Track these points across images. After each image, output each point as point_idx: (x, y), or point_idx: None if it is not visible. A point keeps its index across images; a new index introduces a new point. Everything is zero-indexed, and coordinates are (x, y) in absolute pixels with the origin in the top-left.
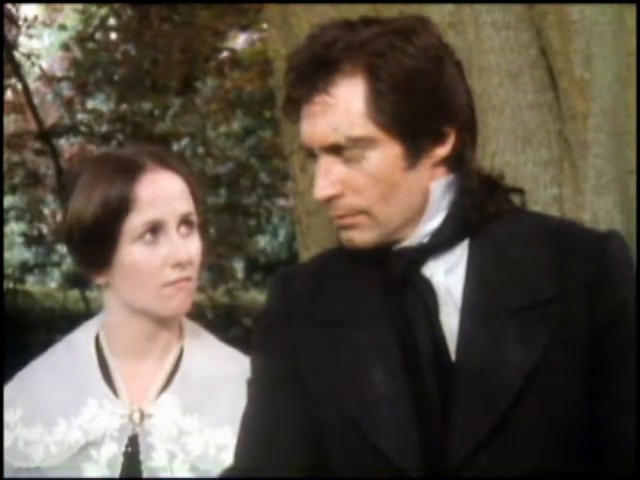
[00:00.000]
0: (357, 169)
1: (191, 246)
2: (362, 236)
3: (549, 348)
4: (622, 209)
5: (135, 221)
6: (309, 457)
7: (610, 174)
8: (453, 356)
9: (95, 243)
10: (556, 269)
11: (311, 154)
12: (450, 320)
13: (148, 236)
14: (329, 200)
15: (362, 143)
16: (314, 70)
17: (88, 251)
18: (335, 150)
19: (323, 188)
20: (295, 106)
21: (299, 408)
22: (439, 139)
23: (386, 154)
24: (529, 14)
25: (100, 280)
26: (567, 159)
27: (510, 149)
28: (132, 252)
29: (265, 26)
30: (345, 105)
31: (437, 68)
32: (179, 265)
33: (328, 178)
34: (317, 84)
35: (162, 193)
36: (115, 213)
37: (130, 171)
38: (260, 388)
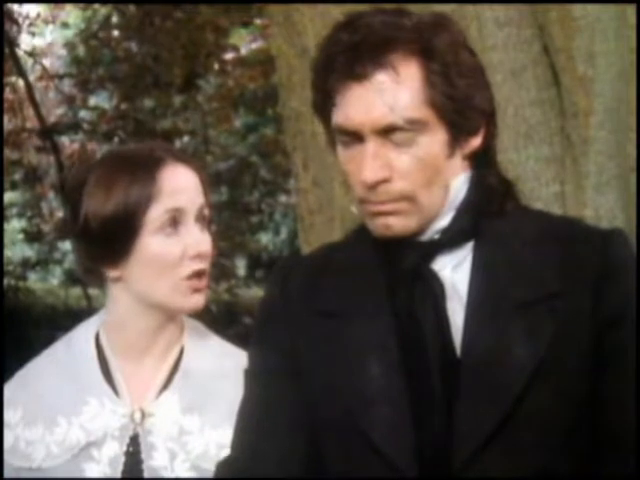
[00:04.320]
0: (407, 153)
1: (207, 239)
2: (402, 222)
3: (554, 343)
4: (624, 206)
5: (157, 211)
6: (305, 449)
7: (612, 171)
8: (458, 351)
9: (115, 236)
10: (561, 266)
11: (348, 137)
12: (455, 316)
13: (168, 228)
14: (375, 185)
15: (416, 126)
16: (371, 49)
17: (106, 244)
18: (387, 132)
19: (374, 171)
20: (336, 88)
21: (296, 400)
22: (474, 129)
23: (434, 139)
24: (532, 11)
25: (114, 274)
26: (569, 156)
27: (512, 146)
28: (152, 243)
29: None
30: (405, 86)
31: (475, 57)
32: (198, 256)
33: (377, 161)
34: (378, 62)
35: (182, 185)
36: (138, 204)
37: (151, 164)
38: (257, 380)
